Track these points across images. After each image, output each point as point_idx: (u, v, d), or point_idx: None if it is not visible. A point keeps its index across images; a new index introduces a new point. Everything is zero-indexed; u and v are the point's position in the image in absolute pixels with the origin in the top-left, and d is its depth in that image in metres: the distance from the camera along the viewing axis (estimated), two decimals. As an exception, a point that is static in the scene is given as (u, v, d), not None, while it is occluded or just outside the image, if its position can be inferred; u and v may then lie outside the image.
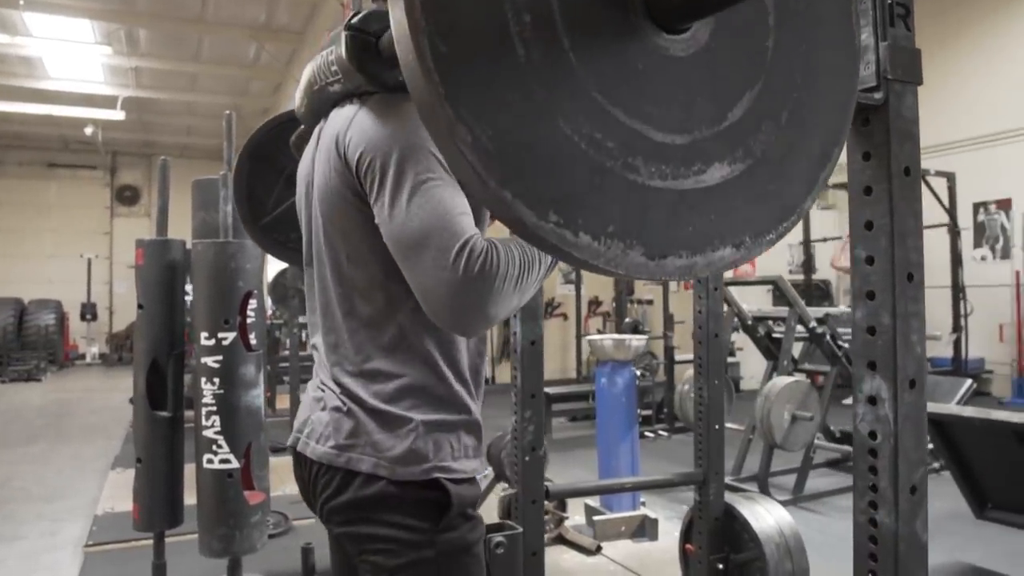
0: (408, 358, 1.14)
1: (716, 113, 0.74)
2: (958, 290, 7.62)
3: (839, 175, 0.96)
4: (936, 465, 4.48)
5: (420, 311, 1.09)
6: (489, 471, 3.03)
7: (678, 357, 6.79)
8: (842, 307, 7.61)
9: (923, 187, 1.68)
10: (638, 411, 4.52)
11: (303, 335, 7.77)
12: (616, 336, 4.33)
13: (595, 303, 10.81)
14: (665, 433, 6.52)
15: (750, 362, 8.46)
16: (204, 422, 2.44)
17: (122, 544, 3.70)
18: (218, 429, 2.43)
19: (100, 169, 15.34)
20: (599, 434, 4.16)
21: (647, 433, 6.36)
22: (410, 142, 1.03)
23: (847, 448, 5.07)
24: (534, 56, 0.62)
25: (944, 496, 3.85)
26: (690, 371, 5.44)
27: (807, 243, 9.00)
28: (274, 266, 5.50)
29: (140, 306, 2.54)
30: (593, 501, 3.98)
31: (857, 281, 1.07)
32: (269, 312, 6.61)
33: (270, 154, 1.86)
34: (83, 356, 14.29)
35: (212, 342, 2.44)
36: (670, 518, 4.08)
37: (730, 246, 0.74)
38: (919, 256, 1.07)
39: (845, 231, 8.69)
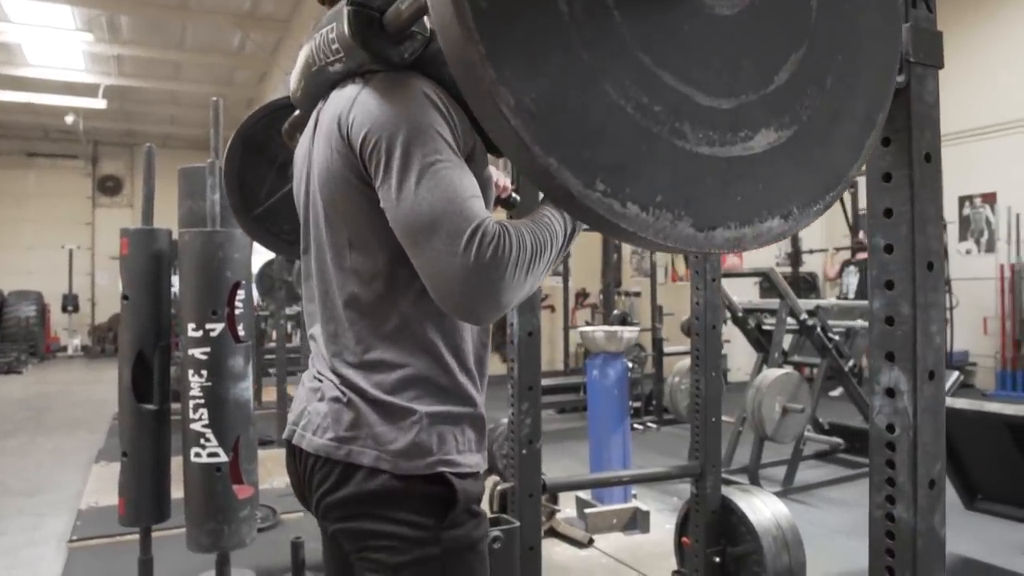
0: (411, 347, 1.09)
1: (762, 77, 0.71)
2: (943, 283, 7.65)
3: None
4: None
5: (424, 298, 1.05)
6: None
7: (667, 349, 6.78)
8: (832, 299, 7.66)
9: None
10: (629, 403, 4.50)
11: (289, 327, 7.71)
12: (608, 328, 4.30)
13: (582, 295, 10.79)
14: (654, 425, 6.53)
15: (737, 354, 8.47)
16: (192, 415, 2.39)
17: (107, 539, 3.64)
18: (206, 422, 2.39)
19: (81, 159, 15.12)
20: (591, 426, 4.14)
21: (636, 425, 6.35)
22: (417, 122, 0.99)
23: (836, 440, 5.08)
24: (577, 12, 0.58)
25: (934, 488, 3.86)
26: (680, 363, 5.44)
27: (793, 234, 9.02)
28: (260, 256, 5.43)
29: (125, 297, 2.49)
30: (584, 494, 3.96)
31: (875, 270, 1.05)
32: (256, 303, 6.54)
33: (262, 143, 1.81)
34: (64, 348, 14.13)
35: (200, 333, 2.40)
36: (661, 510, 4.07)
37: (778, 217, 0.72)
38: (939, 244, 1.05)
39: (832, 244, 8.75)
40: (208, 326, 2.40)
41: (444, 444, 1.10)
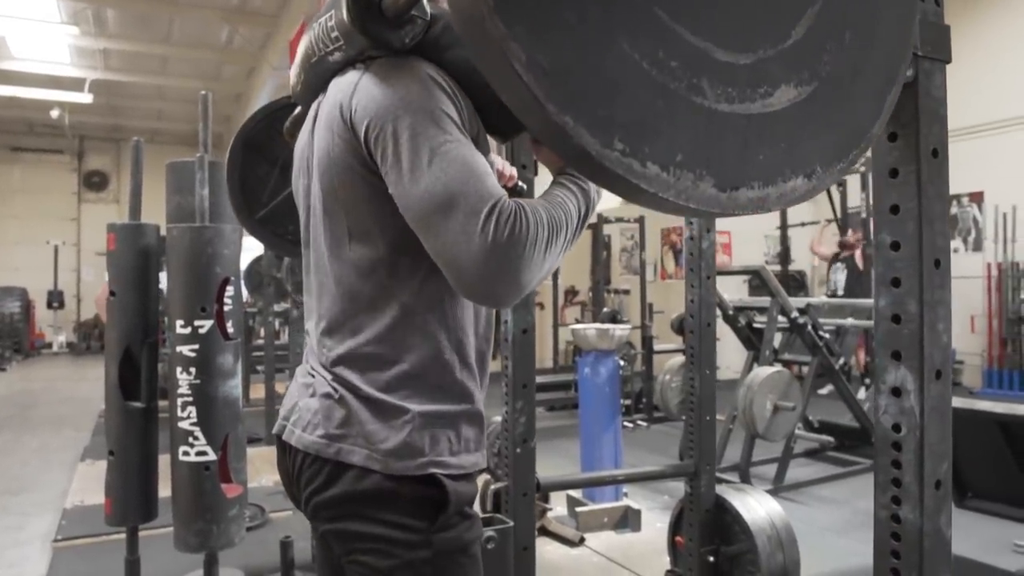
0: (409, 342, 1.06)
1: (780, 30, 0.69)
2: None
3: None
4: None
5: (426, 289, 1.02)
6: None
7: (656, 347, 6.78)
8: (821, 297, 7.67)
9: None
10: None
11: (277, 324, 7.65)
12: (600, 325, 4.29)
13: (571, 292, 10.77)
14: (644, 423, 6.52)
15: (727, 352, 8.48)
16: (180, 413, 2.36)
17: (93, 539, 3.59)
18: (194, 420, 2.36)
19: (67, 154, 14.96)
20: (582, 424, 4.12)
21: (626, 423, 6.34)
22: (422, 104, 0.96)
23: (826, 438, 5.10)
24: None
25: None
26: (670, 361, 5.43)
27: (784, 230, 9.03)
28: (249, 253, 5.38)
29: (112, 293, 2.45)
30: (575, 492, 3.95)
31: (881, 267, 1.03)
32: (244, 299, 6.48)
33: (262, 144, 1.78)
34: (49, 345, 13.99)
35: (188, 330, 2.36)
36: (652, 508, 4.06)
37: (802, 176, 0.70)
38: (946, 241, 1.03)
39: (823, 216, 8.76)
40: (197, 323, 2.36)
41: (436, 445, 1.07)
